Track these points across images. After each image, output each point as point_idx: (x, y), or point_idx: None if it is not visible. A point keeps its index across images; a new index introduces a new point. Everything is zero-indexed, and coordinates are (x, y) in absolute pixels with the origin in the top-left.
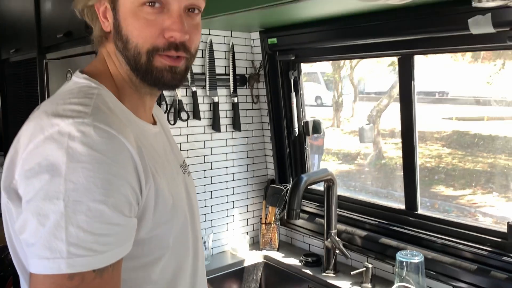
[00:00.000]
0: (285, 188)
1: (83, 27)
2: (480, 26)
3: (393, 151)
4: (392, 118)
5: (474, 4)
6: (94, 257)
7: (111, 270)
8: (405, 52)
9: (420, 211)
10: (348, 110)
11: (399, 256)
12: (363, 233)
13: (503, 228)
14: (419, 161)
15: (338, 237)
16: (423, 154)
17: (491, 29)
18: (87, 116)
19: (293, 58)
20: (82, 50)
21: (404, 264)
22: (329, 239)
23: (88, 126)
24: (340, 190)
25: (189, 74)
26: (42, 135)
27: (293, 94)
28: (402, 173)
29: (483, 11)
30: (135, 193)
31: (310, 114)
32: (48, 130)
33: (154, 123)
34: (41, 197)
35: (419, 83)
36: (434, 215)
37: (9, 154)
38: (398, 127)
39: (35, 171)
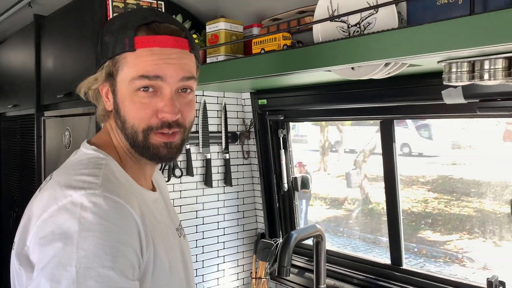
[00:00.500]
0: (275, 242)
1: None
2: (452, 97)
3: (380, 195)
4: (378, 163)
5: (445, 82)
6: None
7: None
8: (386, 117)
9: (405, 266)
10: (335, 155)
11: None
12: None
13: (484, 284)
14: (405, 205)
15: None
16: (410, 199)
17: (462, 100)
18: (97, 187)
19: (282, 118)
20: (81, 110)
21: None
22: None
23: (98, 196)
24: (329, 237)
25: None
26: (56, 205)
27: (282, 151)
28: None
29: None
30: (137, 258)
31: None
32: (62, 200)
33: (154, 189)
34: (55, 263)
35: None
36: (419, 271)
37: (22, 221)
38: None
39: (49, 239)
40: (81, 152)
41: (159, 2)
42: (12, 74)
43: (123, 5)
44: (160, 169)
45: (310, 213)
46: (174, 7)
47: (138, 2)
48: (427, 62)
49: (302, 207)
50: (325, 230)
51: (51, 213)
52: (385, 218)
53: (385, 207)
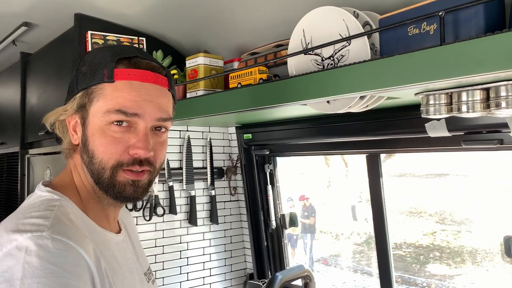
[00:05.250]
0: (263, 284)
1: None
2: (436, 130)
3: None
4: (386, 194)
5: (423, 115)
6: None
7: None
8: (371, 151)
9: None
10: (340, 186)
11: None
12: None
13: None
14: (414, 238)
15: None
16: (418, 230)
17: (446, 133)
18: (45, 229)
19: (267, 152)
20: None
21: None
22: None
23: (46, 239)
24: (334, 271)
25: (166, 169)
26: (0, 252)
27: (269, 186)
28: (397, 252)
29: None
30: None
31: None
32: (7, 246)
33: (119, 231)
34: None
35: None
36: None
37: None
38: (392, 203)
39: None
40: (35, 194)
41: (140, 38)
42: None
43: (102, 41)
44: (140, 208)
45: (316, 248)
46: (155, 42)
47: (118, 38)
48: (404, 94)
49: (307, 242)
50: (331, 265)
51: None
52: (394, 252)
53: (391, 240)
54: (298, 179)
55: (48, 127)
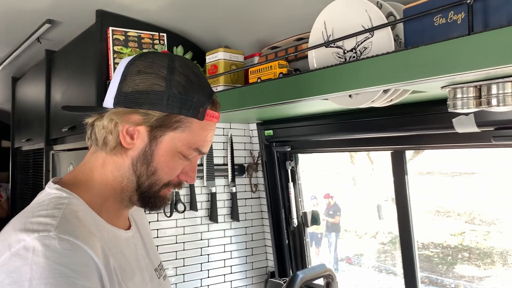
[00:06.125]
0: (284, 282)
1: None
2: (464, 125)
3: (400, 239)
4: (412, 192)
5: (450, 110)
6: None
7: None
8: (396, 147)
9: None
10: (366, 184)
11: None
12: None
13: None
14: (441, 239)
15: None
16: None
17: (475, 129)
18: (52, 229)
19: (289, 149)
20: (84, 144)
21: None
22: None
23: (53, 239)
24: (358, 271)
25: None
26: (8, 252)
27: (291, 184)
28: (424, 252)
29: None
30: None
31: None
32: (15, 246)
33: (129, 227)
34: None
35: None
36: None
37: None
38: (419, 202)
39: None
40: (44, 192)
41: (161, 34)
42: (26, 109)
43: (123, 37)
44: None
45: (340, 247)
46: (175, 38)
47: (139, 34)
48: (430, 87)
49: (331, 241)
50: (356, 264)
51: (2, 261)
52: (420, 251)
53: (418, 240)
54: (322, 176)
55: (90, 120)
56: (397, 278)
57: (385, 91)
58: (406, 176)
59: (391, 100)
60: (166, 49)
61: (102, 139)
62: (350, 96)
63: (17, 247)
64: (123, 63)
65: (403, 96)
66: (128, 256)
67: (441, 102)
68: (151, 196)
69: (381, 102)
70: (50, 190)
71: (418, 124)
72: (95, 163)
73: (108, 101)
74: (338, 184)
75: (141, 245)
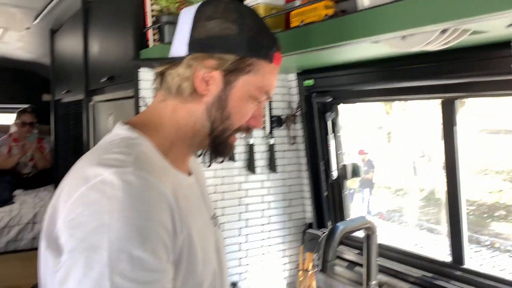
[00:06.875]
0: (323, 233)
1: (125, 72)
2: None
3: (447, 194)
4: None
5: None
6: None
7: None
8: (447, 96)
9: (466, 265)
10: (401, 141)
11: None
12: (405, 286)
13: None
14: (478, 196)
15: None
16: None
17: None
18: (129, 165)
19: (330, 100)
20: (123, 94)
21: None
22: None
23: (130, 174)
24: (392, 227)
25: None
26: (85, 185)
27: (331, 135)
28: None
29: None
30: (171, 240)
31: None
32: (92, 180)
33: (190, 174)
34: (85, 247)
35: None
36: (482, 271)
37: (52, 202)
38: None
39: (78, 221)
40: (114, 132)
41: None
42: (65, 61)
43: None
44: (200, 154)
45: (373, 203)
46: None
47: None
48: (493, 26)
49: (364, 197)
50: (389, 220)
51: (80, 194)
52: None
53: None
54: (357, 134)
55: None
56: (432, 235)
57: (443, 32)
58: (455, 127)
59: (447, 42)
60: None
61: (176, 87)
62: (403, 37)
63: (94, 181)
64: (187, 11)
65: (461, 38)
66: (191, 200)
67: (502, 45)
68: (222, 141)
69: (436, 44)
70: (120, 131)
71: (473, 70)
72: (164, 110)
73: (180, 49)
74: (372, 141)
75: (199, 193)
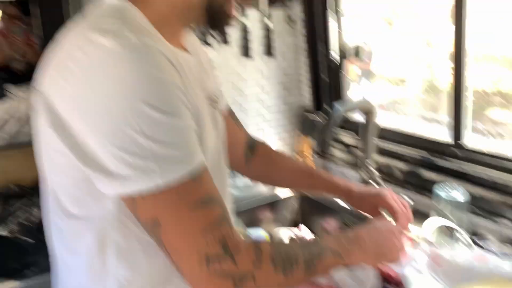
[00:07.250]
0: (321, 116)
1: None
2: None
3: (453, 76)
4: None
5: None
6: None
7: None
8: None
9: (467, 144)
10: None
11: (438, 189)
12: (403, 166)
13: None
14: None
15: (377, 170)
16: (479, 75)
17: None
18: (127, 30)
19: None
20: None
21: (442, 198)
22: (364, 170)
23: (129, 39)
24: (391, 117)
25: None
26: (81, 51)
27: (329, 12)
28: None
29: None
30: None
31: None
32: (89, 45)
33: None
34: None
35: None
36: (483, 150)
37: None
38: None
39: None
40: (105, 3)
41: None
42: None
43: None
44: None
45: (373, 93)
46: None
47: None
48: None
49: (361, 86)
50: (387, 109)
51: (79, 57)
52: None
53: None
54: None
55: None
56: (432, 124)
57: None
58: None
59: None
60: None
61: None
62: None
63: (91, 46)
64: None
65: None
66: (187, 74)
67: None
68: (217, 9)
69: None
70: (111, 2)
71: None
72: None
73: None
74: (371, 28)
75: (203, 71)
